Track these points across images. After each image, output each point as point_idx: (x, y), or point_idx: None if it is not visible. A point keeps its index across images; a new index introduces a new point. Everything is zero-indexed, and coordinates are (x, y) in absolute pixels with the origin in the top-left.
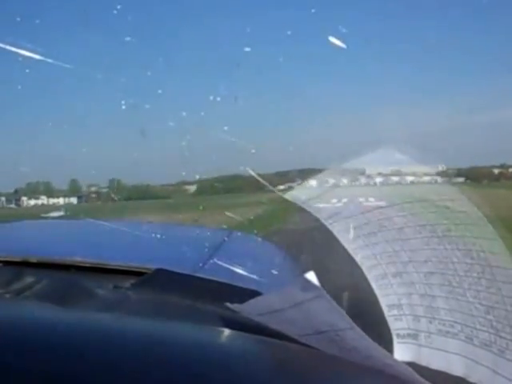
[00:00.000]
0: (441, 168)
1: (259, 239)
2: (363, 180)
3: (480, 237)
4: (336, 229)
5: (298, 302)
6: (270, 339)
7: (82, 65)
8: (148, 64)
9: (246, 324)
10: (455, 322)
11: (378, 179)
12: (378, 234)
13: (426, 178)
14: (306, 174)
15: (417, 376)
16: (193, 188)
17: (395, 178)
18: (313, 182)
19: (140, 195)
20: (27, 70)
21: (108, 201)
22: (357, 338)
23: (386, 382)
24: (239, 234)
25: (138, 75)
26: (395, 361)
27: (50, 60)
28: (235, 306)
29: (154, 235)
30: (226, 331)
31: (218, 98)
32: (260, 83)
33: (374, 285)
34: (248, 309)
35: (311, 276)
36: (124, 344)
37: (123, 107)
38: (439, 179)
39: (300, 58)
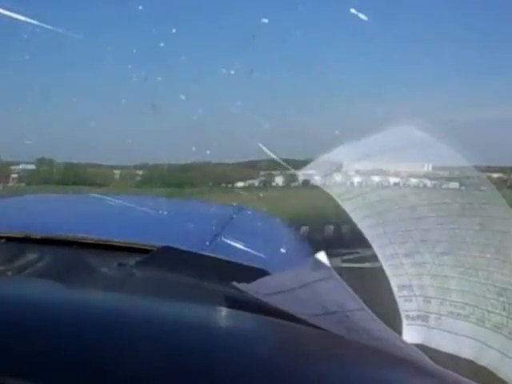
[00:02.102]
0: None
1: (268, 216)
2: (337, 177)
3: (495, 216)
4: (348, 206)
5: (307, 282)
6: (276, 319)
7: (94, 36)
8: (161, 35)
9: (252, 303)
10: (466, 304)
11: (356, 179)
12: (390, 212)
13: (414, 180)
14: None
15: (426, 358)
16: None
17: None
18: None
19: (70, 179)
20: (37, 40)
21: (31, 184)
22: (366, 319)
23: (396, 364)
24: (248, 211)
25: (150, 46)
26: (405, 343)
27: (60, 30)
28: (242, 285)
29: (160, 211)
30: (232, 310)
31: (232, 72)
32: (277, 57)
33: (384, 264)
34: (255, 288)
35: (322, 256)
36: (128, 321)
37: (134, 80)
38: (428, 183)
39: (319, 32)
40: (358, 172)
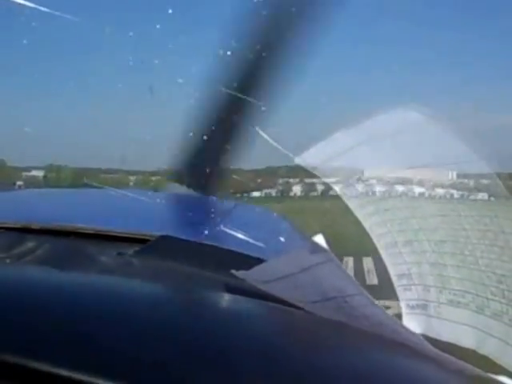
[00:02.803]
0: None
1: (265, 210)
2: (359, 187)
3: (494, 202)
4: (346, 194)
5: (305, 267)
6: (276, 305)
7: (90, 18)
8: (157, 18)
9: (251, 291)
10: (466, 292)
11: (379, 188)
12: (388, 200)
13: (440, 191)
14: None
15: (426, 343)
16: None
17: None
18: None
19: (81, 186)
20: (33, 23)
21: None
22: (366, 304)
23: (395, 349)
24: (244, 204)
25: (146, 29)
26: (405, 328)
27: (57, 13)
28: (241, 273)
29: (159, 203)
30: (232, 297)
31: (229, 52)
32: (273, 38)
33: (383, 253)
34: (254, 275)
35: (319, 239)
36: (128, 309)
37: (130, 63)
38: (455, 193)
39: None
40: (380, 181)
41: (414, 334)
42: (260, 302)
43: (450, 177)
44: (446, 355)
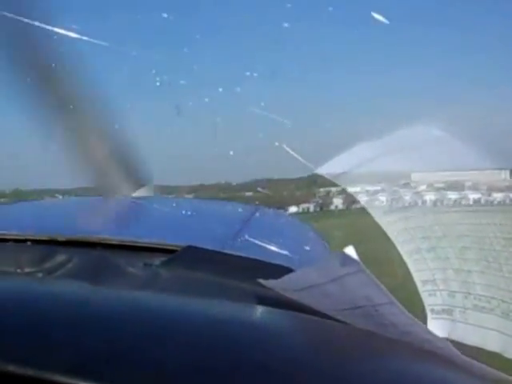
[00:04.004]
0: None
1: (287, 215)
2: (407, 195)
3: None
4: (367, 202)
5: (334, 276)
6: (305, 315)
7: (118, 42)
8: (184, 40)
9: (280, 300)
10: (491, 298)
11: (429, 196)
12: (411, 208)
13: (498, 195)
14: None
15: (455, 351)
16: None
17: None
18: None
19: None
20: (62, 48)
21: None
22: (395, 312)
23: (424, 357)
24: (267, 209)
25: (174, 52)
26: (434, 335)
27: (85, 38)
28: (268, 283)
29: (181, 211)
30: (260, 308)
31: (255, 74)
32: (298, 59)
33: (407, 259)
34: (282, 285)
35: (350, 250)
36: (159, 320)
37: (157, 84)
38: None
39: (341, 36)
40: (430, 187)
41: (442, 340)
42: (289, 311)
43: (503, 177)
44: (473, 361)
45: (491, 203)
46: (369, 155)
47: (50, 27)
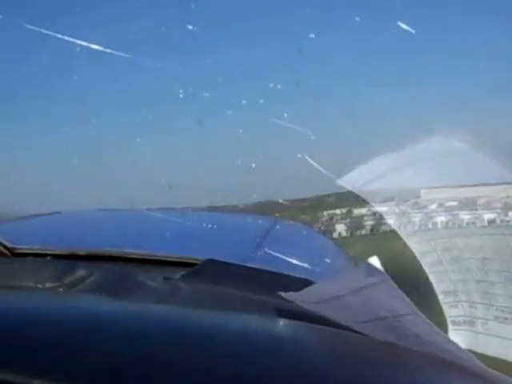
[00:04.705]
0: None
1: (305, 227)
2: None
3: None
4: (388, 214)
5: (357, 288)
6: (327, 328)
7: (141, 54)
8: (208, 52)
9: (301, 313)
10: None
11: (441, 218)
12: (431, 220)
13: None
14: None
15: (478, 362)
16: None
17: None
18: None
19: None
20: (85, 61)
21: None
22: (418, 323)
23: (447, 368)
24: (285, 221)
25: (197, 64)
26: (456, 346)
27: (108, 50)
28: (289, 295)
29: (200, 224)
30: (282, 321)
31: (279, 86)
32: (323, 71)
33: (428, 271)
34: (303, 297)
35: (374, 261)
36: (182, 335)
37: (181, 96)
38: None
39: (367, 47)
40: (441, 206)
41: (465, 351)
42: (310, 324)
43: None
44: (495, 372)
45: (507, 223)
46: (388, 168)
47: (73, 40)
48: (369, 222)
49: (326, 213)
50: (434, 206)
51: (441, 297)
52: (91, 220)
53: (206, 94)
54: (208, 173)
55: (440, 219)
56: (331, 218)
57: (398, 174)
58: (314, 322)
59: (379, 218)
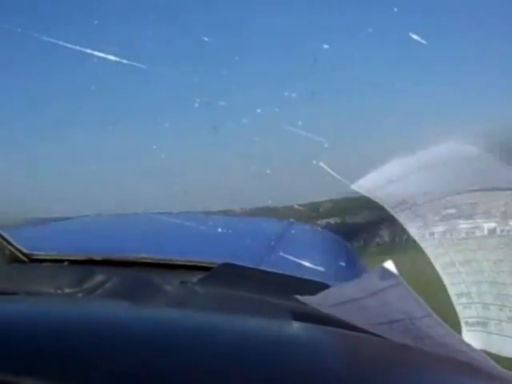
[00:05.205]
0: None
1: (319, 229)
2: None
3: None
4: (402, 217)
5: (373, 291)
6: (343, 330)
7: (157, 65)
8: (224, 62)
9: (317, 316)
10: None
11: (438, 228)
12: (444, 222)
13: None
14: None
15: (492, 362)
16: None
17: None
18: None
19: None
20: (102, 71)
21: None
22: (433, 325)
23: (463, 369)
24: (299, 224)
25: (213, 74)
26: (472, 348)
27: (125, 61)
28: (305, 299)
29: (215, 228)
30: (299, 323)
31: (294, 95)
32: (338, 81)
33: (441, 273)
34: (318, 301)
35: (389, 265)
36: (199, 339)
37: (196, 105)
38: None
39: (380, 57)
40: (438, 216)
41: (479, 352)
42: (326, 327)
43: None
44: (510, 372)
45: (508, 233)
46: (400, 172)
47: (89, 51)
48: (362, 236)
49: (319, 222)
50: (430, 215)
51: (454, 298)
52: (107, 225)
53: (222, 103)
54: (223, 179)
55: (437, 229)
56: (326, 227)
57: (408, 180)
58: (329, 325)
59: (373, 227)
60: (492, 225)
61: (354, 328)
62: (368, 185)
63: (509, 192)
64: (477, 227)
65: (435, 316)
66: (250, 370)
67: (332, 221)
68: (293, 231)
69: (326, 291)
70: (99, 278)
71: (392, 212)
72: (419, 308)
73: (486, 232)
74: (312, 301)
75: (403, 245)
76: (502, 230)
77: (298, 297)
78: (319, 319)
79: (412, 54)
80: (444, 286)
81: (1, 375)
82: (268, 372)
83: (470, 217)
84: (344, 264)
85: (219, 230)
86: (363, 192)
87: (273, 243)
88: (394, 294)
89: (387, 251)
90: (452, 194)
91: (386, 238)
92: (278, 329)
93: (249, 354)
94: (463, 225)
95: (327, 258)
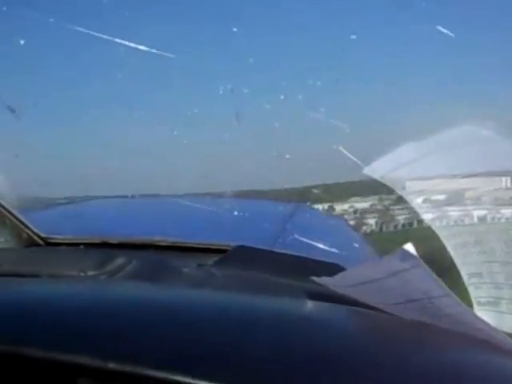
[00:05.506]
0: None
1: (332, 214)
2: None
3: None
4: (414, 201)
5: (392, 272)
6: (359, 309)
7: (184, 54)
8: (250, 51)
9: (334, 296)
10: None
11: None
12: (455, 204)
13: None
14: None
15: (510, 340)
16: None
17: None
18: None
19: None
20: (130, 61)
21: None
22: (451, 304)
23: (481, 346)
24: (307, 207)
25: (239, 62)
26: (489, 326)
27: (154, 50)
28: (322, 279)
29: (226, 211)
30: (317, 302)
31: (318, 82)
32: (364, 70)
33: (453, 254)
34: (336, 281)
35: (409, 246)
36: (219, 319)
37: (220, 92)
38: None
39: (407, 47)
40: (427, 201)
41: (496, 330)
42: (345, 306)
43: (504, 185)
44: None
45: (499, 220)
46: (414, 155)
47: (119, 40)
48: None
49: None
50: (419, 200)
51: (465, 278)
52: (123, 208)
53: (246, 91)
54: (242, 164)
55: (426, 216)
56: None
57: (429, 160)
58: (347, 305)
59: (360, 214)
60: (504, 208)
61: (372, 308)
62: (380, 169)
63: (485, 178)
64: (489, 210)
65: (453, 295)
66: (270, 349)
67: (321, 206)
68: (306, 215)
69: (343, 272)
70: (119, 260)
71: (404, 195)
72: (438, 287)
73: (497, 215)
74: (329, 282)
75: (413, 229)
76: (493, 218)
77: (314, 278)
78: (337, 299)
79: (433, 46)
80: (456, 266)
81: (38, 351)
82: (288, 349)
83: (481, 200)
84: (356, 248)
85: (233, 213)
86: (376, 177)
87: (285, 226)
88: (413, 274)
89: (394, 237)
90: (464, 177)
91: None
92: (297, 307)
93: (271, 331)
94: (475, 208)
95: (341, 243)
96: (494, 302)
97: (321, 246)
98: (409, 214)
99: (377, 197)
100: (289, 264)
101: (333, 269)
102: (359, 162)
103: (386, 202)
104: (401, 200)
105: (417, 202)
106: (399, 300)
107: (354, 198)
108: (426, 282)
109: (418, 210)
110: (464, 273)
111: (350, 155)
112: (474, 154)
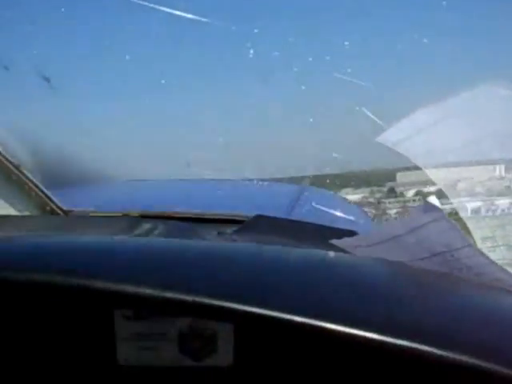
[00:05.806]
0: None
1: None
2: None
3: None
4: (427, 167)
5: (415, 227)
6: (384, 260)
7: (218, 18)
8: (280, 14)
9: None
10: None
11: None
12: (470, 168)
13: None
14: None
15: None
16: None
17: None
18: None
19: None
20: (164, 25)
21: None
22: (472, 255)
23: (502, 294)
24: (315, 189)
25: (270, 25)
26: (510, 275)
27: (189, 15)
28: (342, 242)
29: (237, 192)
30: (339, 255)
31: (346, 43)
32: (391, 30)
33: (466, 219)
34: (356, 242)
35: (433, 199)
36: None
37: (250, 56)
38: None
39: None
40: (419, 194)
41: None
42: (370, 259)
43: (497, 173)
44: None
45: (494, 212)
46: (429, 120)
47: (153, 5)
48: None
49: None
50: (411, 193)
51: (479, 242)
52: (146, 188)
53: (276, 53)
54: (266, 130)
55: (462, 177)
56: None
57: (445, 124)
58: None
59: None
60: (473, 205)
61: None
62: (392, 137)
63: (477, 168)
64: (501, 178)
65: (474, 246)
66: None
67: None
68: (310, 194)
69: (362, 235)
70: (146, 226)
71: (417, 163)
72: (459, 239)
73: (492, 206)
74: (349, 243)
75: None
76: (487, 210)
77: (335, 241)
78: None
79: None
80: (469, 231)
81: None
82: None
83: (474, 191)
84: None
85: (244, 192)
86: (389, 145)
87: (299, 202)
88: (434, 228)
89: None
90: (456, 166)
91: (386, 218)
92: (327, 260)
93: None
94: (468, 200)
95: (354, 217)
96: (508, 264)
97: (338, 215)
98: (400, 207)
99: (368, 189)
100: (308, 231)
101: (351, 235)
102: (380, 122)
103: (378, 195)
104: (392, 192)
105: (408, 194)
106: (421, 255)
107: (345, 190)
108: (448, 234)
109: (437, 181)
110: (477, 237)
111: (372, 116)
112: (491, 116)
